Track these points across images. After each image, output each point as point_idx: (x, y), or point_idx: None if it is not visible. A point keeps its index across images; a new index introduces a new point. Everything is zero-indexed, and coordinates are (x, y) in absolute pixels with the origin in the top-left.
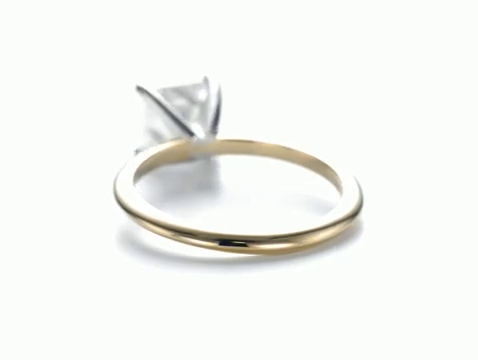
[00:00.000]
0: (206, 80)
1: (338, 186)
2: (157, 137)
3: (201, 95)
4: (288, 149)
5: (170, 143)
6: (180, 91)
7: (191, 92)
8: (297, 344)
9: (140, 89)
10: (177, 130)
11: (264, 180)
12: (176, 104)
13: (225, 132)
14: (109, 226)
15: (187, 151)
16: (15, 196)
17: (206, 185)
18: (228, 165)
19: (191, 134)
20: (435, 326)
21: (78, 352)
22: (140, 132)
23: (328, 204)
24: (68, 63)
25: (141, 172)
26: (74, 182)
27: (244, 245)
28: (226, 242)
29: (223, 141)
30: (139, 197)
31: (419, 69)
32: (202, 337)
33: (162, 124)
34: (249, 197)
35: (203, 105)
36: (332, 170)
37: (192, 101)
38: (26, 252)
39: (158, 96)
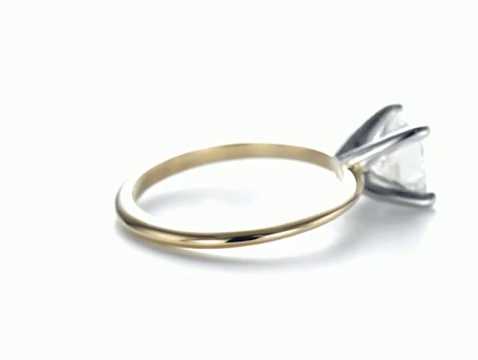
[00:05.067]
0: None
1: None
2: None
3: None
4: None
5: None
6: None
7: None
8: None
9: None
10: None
11: (262, 180)
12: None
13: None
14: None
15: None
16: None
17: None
18: (224, 171)
19: (339, 151)
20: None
21: (79, 351)
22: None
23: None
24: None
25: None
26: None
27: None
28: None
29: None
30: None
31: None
32: (202, 337)
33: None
34: (250, 197)
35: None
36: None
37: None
38: (27, 253)
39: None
